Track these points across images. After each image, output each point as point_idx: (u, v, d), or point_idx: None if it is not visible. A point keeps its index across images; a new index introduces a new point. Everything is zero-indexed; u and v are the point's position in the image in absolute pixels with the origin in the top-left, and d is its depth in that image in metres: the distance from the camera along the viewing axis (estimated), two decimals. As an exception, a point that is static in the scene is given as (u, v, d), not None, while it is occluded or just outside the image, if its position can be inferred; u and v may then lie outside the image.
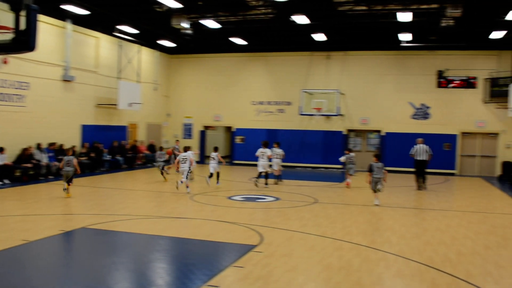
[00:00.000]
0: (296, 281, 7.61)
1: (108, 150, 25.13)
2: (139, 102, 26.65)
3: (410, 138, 26.87)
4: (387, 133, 27.70)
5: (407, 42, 24.97)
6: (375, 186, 15.65)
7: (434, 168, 26.65)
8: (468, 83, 26.59)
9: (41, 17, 20.32)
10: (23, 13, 5.94)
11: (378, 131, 28.19)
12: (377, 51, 27.89)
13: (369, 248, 9.77)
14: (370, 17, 21.11)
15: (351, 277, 7.82)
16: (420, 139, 20.85)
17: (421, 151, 20.13)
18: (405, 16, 19.78)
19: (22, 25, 5.98)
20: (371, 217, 13.35)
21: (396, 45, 25.95)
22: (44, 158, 20.59)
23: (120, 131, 27.11)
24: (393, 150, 27.24)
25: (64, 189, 15.54)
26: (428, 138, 26.70)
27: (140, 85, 27.37)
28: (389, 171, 26.55)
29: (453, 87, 26.79)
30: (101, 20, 23.27)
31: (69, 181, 15.56)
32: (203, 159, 31.09)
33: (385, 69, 27.87)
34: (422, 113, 27.28)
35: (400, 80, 27.62)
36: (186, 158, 17.26)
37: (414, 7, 19.44)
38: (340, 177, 23.81)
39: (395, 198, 17.19)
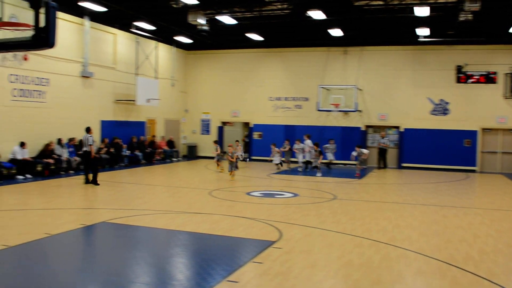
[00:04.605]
0: (316, 277, 7.59)
1: (127, 146, 25.31)
2: (157, 98, 26.78)
3: (429, 134, 26.80)
4: (406, 129, 27.50)
5: (425, 37, 24.72)
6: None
7: (454, 164, 26.47)
8: (488, 78, 26.27)
9: (59, 14, 20.46)
10: (42, 11, 5.99)
11: (397, 127, 27.99)
12: (395, 46, 27.67)
13: (389, 245, 9.71)
14: (387, 12, 20.97)
15: (371, 274, 7.78)
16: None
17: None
18: (422, 11, 19.59)
19: (42, 23, 6.04)
20: (391, 214, 13.27)
21: (413, 40, 25.73)
22: (64, 153, 20.81)
23: (139, 126, 27.26)
24: (412, 147, 27.06)
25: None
26: (448, 134, 26.65)
27: (157, 81, 27.49)
28: (408, 168, 26.64)
29: (473, 82, 26.49)
30: (118, 17, 23.40)
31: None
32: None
33: (403, 64, 27.64)
34: (441, 109, 27.02)
35: (418, 76, 27.38)
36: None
37: (432, 1, 19.27)
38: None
39: (414, 195, 17.05)
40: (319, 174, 22.33)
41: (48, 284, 7.19)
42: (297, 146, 24.68)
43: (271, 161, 25.27)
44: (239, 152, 24.36)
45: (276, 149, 24.77)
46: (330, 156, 25.84)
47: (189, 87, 32.15)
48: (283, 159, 25.20)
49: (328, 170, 25.06)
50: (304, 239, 10.06)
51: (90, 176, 17.50)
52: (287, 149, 25.39)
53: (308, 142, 24.27)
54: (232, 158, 19.99)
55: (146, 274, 7.68)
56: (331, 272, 7.87)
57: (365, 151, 23.29)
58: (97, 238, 10.40)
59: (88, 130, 17.56)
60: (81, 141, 17.81)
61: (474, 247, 9.70)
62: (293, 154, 25.46)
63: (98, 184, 17.31)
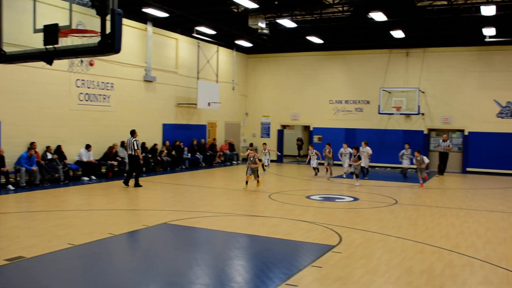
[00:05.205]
0: (376, 283, 7.46)
1: (188, 148, 25.72)
2: (218, 102, 27.07)
3: (496, 138, 25.83)
4: (470, 133, 26.66)
5: (491, 37, 23.88)
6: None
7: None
8: (560, 79, 25.10)
9: (124, 21, 21.04)
10: (108, 18, 6.17)
11: (461, 131, 27.17)
12: (459, 47, 26.89)
13: (452, 252, 9.43)
14: (451, 12, 20.47)
15: (433, 282, 7.57)
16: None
17: None
18: (488, 10, 18.97)
19: (108, 29, 6.22)
20: (455, 220, 12.89)
21: (479, 40, 24.93)
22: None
23: (200, 130, 27.68)
24: (477, 151, 26.21)
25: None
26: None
27: (218, 85, 27.80)
28: (473, 173, 25.77)
29: (543, 83, 25.38)
30: (180, 22, 23.88)
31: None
32: (281, 158, 31.20)
33: (468, 65, 26.81)
34: (508, 112, 25.99)
35: (484, 77, 26.47)
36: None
37: (498, -1, 18.64)
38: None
39: (480, 201, 16.50)
40: (357, 184, 19.79)
41: (110, 283, 7.42)
42: (343, 150, 22.63)
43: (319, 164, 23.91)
44: (267, 157, 23.54)
45: (315, 150, 23.50)
46: (406, 163, 22.98)
47: (249, 90, 32.38)
48: (324, 161, 23.41)
49: (405, 178, 22.59)
50: (365, 244, 9.92)
51: (132, 180, 17.84)
52: (329, 154, 22.69)
53: (368, 148, 21.98)
54: (254, 163, 17.92)
55: (206, 275, 7.77)
56: (392, 278, 7.72)
57: (426, 159, 20.38)
58: (159, 239, 10.61)
59: (132, 133, 17.81)
60: (125, 144, 18.14)
61: (544, 256, 9.29)
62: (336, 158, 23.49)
63: (141, 186, 17.71)
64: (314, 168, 23.48)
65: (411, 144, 24.66)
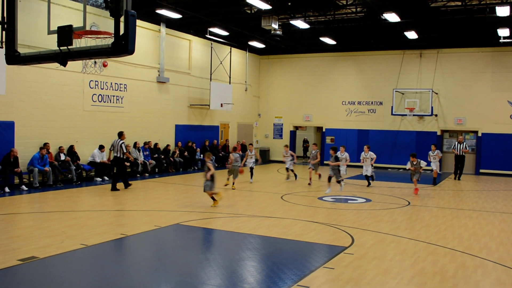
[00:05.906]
0: (388, 284, 7.44)
1: (201, 149, 25.78)
2: (231, 103, 27.11)
3: (509, 139, 25.62)
4: (484, 134, 26.46)
5: (506, 38, 23.68)
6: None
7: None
8: None
9: (138, 22, 21.15)
10: (122, 19, 6.21)
11: (475, 132, 26.98)
12: (473, 48, 26.73)
13: (465, 253, 9.38)
14: (465, 13, 20.36)
15: (446, 284, 7.53)
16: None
17: None
18: (503, 11, 18.84)
19: (121, 30, 6.25)
20: (467, 221, 12.81)
21: (493, 41, 24.78)
22: (140, 156, 21.44)
23: (212, 131, 27.74)
24: (491, 152, 26.01)
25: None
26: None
27: (231, 86, 27.83)
28: (486, 174, 25.55)
29: (558, 85, 25.13)
30: (193, 23, 23.94)
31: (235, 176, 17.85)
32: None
33: (482, 66, 26.62)
34: (522, 113, 25.81)
35: (498, 78, 26.27)
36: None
37: (512, 0, 18.51)
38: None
39: (493, 203, 16.38)
40: (328, 190, 17.46)
41: (123, 283, 7.46)
42: (340, 155, 19.12)
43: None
44: (252, 160, 20.51)
45: (290, 151, 21.41)
46: (435, 165, 21.13)
47: (262, 91, 32.41)
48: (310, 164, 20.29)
49: (434, 183, 20.96)
50: (377, 245, 9.89)
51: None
52: (317, 159, 20.18)
53: (371, 153, 19.76)
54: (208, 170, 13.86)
55: (217, 276, 7.79)
56: (404, 280, 7.69)
57: (423, 163, 18.16)
58: (171, 240, 10.65)
59: (120, 135, 17.28)
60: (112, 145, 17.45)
61: (558, 259, 9.20)
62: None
63: (118, 190, 16.86)
64: (287, 169, 21.48)
65: (424, 146, 24.56)
